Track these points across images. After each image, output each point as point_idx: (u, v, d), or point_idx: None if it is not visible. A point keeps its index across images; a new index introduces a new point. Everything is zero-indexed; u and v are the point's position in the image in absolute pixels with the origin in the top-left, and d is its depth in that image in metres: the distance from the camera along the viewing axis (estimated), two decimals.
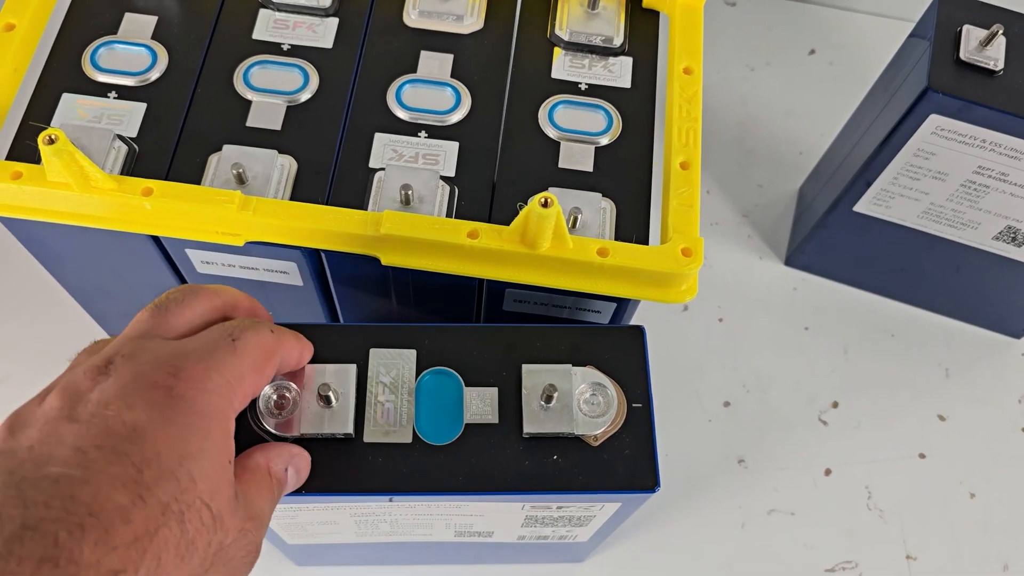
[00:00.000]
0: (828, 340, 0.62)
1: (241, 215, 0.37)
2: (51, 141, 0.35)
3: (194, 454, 0.26)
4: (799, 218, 0.65)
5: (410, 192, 0.39)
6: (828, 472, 0.58)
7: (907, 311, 0.64)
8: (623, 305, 0.42)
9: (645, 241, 0.40)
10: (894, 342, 0.63)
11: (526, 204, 0.39)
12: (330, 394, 0.35)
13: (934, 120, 0.47)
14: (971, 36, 0.47)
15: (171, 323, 0.30)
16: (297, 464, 0.33)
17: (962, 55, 0.46)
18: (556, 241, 0.37)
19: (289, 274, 0.42)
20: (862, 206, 0.55)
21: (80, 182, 0.37)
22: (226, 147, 0.40)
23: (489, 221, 0.40)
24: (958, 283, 0.60)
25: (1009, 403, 0.61)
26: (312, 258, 0.41)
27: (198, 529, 0.25)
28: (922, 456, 0.59)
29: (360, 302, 0.45)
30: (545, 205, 0.35)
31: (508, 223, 0.39)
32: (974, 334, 0.64)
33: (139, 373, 0.27)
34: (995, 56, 0.46)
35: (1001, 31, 0.46)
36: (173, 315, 0.30)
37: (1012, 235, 0.53)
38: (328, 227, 0.37)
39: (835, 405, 0.60)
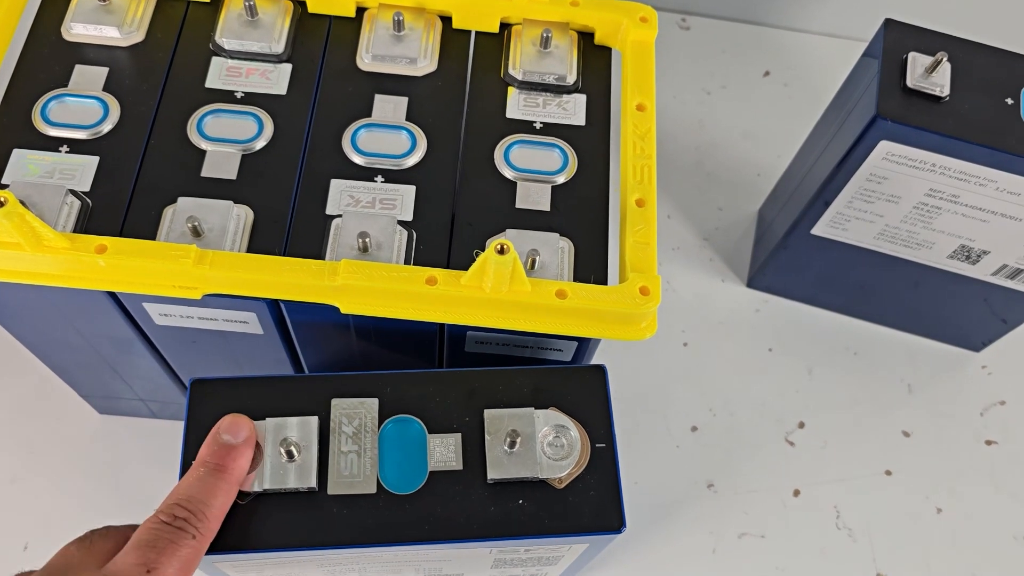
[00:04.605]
0: (792, 360, 0.63)
1: (197, 269, 0.37)
2: (0, 204, 0.34)
3: None
4: (759, 240, 0.66)
5: (368, 239, 0.39)
6: (797, 493, 0.59)
7: (869, 328, 0.65)
8: (585, 342, 0.42)
9: (604, 279, 0.40)
10: (857, 360, 0.63)
11: (483, 250, 0.39)
12: (292, 448, 0.35)
13: (884, 146, 0.48)
14: (917, 63, 0.47)
15: (93, 554, 0.32)
16: None
17: (909, 82, 0.47)
18: (514, 285, 0.37)
19: (249, 323, 0.42)
20: (819, 229, 0.56)
21: (32, 242, 0.36)
22: (181, 199, 0.40)
23: (448, 264, 0.40)
24: (917, 300, 0.61)
25: (971, 416, 0.62)
26: (271, 307, 0.41)
27: None
28: (888, 473, 0.60)
29: (322, 347, 0.44)
30: (501, 252, 0.35)
31: (467, 266, 0.39)
32: (935, 349, 0.65)
33: None
34: (941, 82, 0.47)
35: (945, 58, 0.47)
36: (96, 546, 0.33)
37: (966, 254, 0.54)
38: (285, 278, 0.37)
39: (801, 425, 0.61)
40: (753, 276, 0.65)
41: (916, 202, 0.51)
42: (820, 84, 0.73)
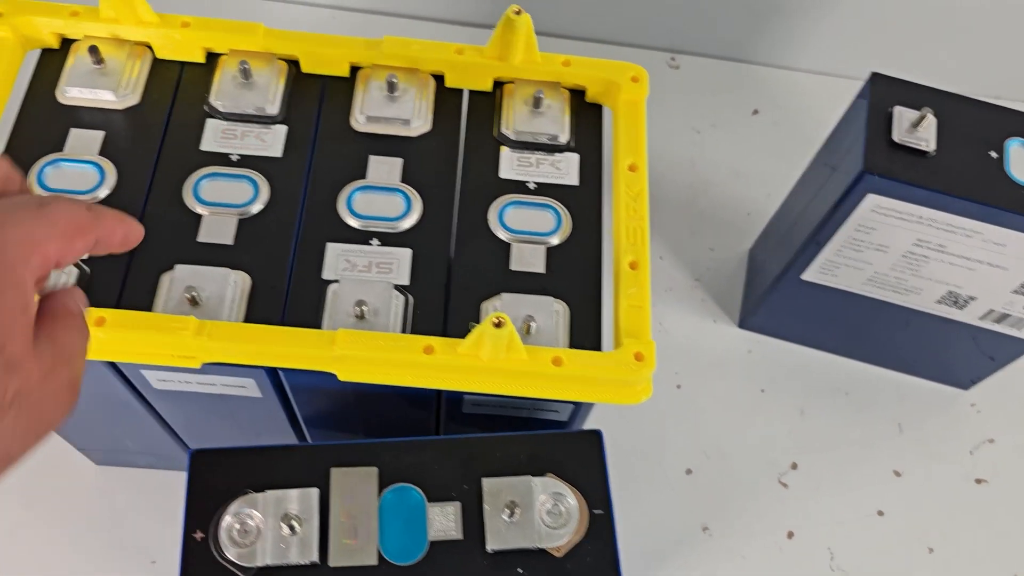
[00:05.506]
0: (784, 401, 0.64)
1: (196, 340, 0.37)
2: None
3: None
4: (751, 281, 0.66)
5: (364, 307, 0.39)
6: (791, 535, 0.59)
7: (859, 368, 0.65)
8: (581, 402, 0.42)
9: (598, 341, 0.41)
10: (848, 400, 0.64)
11: (478, 316, 0.39)
12: (293, 522, 0.35)
13: (872, 199, 0.49)
14: (903, 118, 0.48)
15: None
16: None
17: (895, 137, 0.48)
18: (511, 354, 0.37)
19: (248, 388, 0.42)
20: (810, 275, 0.57)
21: None
22: (178, 267, 0.40)
23: (444, 328, 0.40)
24: (906, 340, 0.62)
25: (961, 455, 0.63)
26: (270, 374, 0.41)
27: None
28: (880, 513, 0.60)
29: (320, 409, 0.45)
30: (498, 325, 0.35)
31: (463, 330, 0.40)
32: (924, 388, 0.65)
33: None
34: (926, 137, 0.48)
35: (930, 113, 0.47)
36: None
37: (954, 299, 0.55)
38: (283, 349, 0.38)
39: (794, 467, 0.61)
40: (745, 317, 0.65)
41: (904, 251, 0.52)
42: (808, 122, 0.74)
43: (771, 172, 0.71)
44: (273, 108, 0.45)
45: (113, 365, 0.42)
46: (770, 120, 0.75)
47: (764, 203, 0.70)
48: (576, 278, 0.42)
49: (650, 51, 0.77)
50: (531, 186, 0.44)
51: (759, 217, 0.69)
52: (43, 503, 0.56)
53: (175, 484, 0.57)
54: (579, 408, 0.43)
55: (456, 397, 0.42)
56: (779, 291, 0.60)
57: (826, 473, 0.61)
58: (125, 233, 0.32)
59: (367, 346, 0.37)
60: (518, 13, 0.43)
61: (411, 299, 0.41)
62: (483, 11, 0.75)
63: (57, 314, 0.29)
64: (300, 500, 0.36)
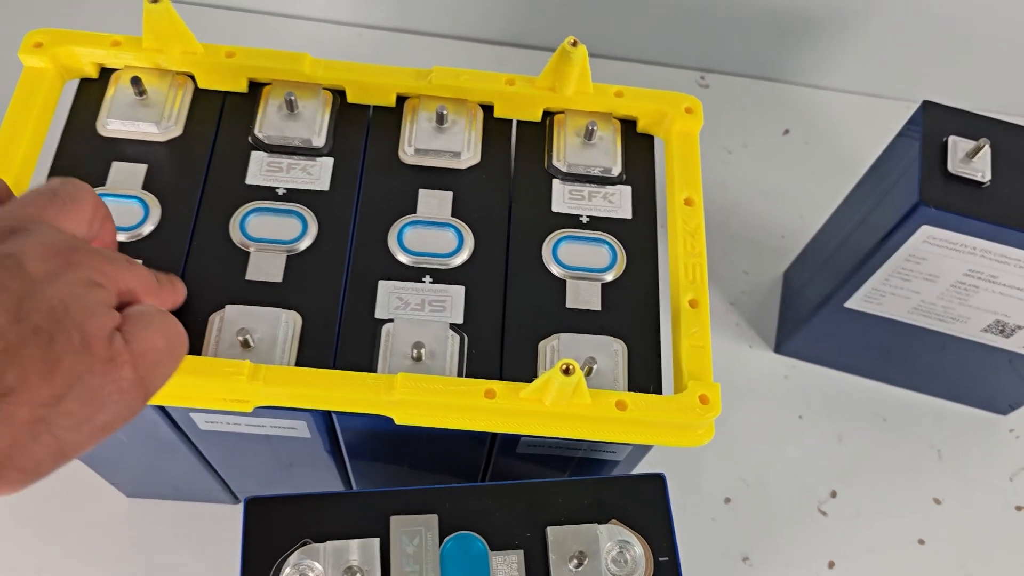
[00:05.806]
0: (822, 428, 0.63)
1: (251, 385, 0.36)
2: None
3: (75, 295, 0.29)
4: (786, 305, 0.65)
5: (422, 350, 0.38)
6: (832, 565, 0.58)
7: (897, 394, 0.65)
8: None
9: (658, 382, 0.40)
10: (887, 426, 0.63)
11: (536, 356, 0.39)
12: (357, 575, 0.34)
13: (925, 231, 0.48)
14: (958, 148, 0.47)
15: (66, 218, 0.33)
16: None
17: (950, 168, 0.47)
18: (575, 398, 0.36)
19: (298, 430, 0.41)
20: (853, 303, 0.56)
21: None
22: (228, 308, 0.39)
23: (500, 369, 0.40)
24: (946, 366, 0.61)
25: (1001, 481, 0.62)
26: (322, 416, 0.40)
27: (65, 349, 0.28)
28: (921, 542, 0.60)
29: (369, 449, 0.44)
30: (567, 372, 0.34)
31: (520, 371, 0.39)
32: (962, 413, 0.65)
33: (46, 242, 0.30)
34: (982, 168, 0.47)
35: (987, 144, 0.46)
36: (70, 211, 0.33)
37: (1000, 328, 0.54)
38: (340, 393, 0.37)
39: (833, 495, 0.61)
40: (781, 342, 0.65)
41: (954, 281, 0.51)
42: (839, 142, 0.73)
43: (803, 193, 0.71)
44: (319, 140, 0.44)
45: (161, 408, 0.41)
46: (801, 140, 0.74)
47: (797, 225, 0.69)
48: (633, 315, 0.41)
49: (680, 70, 0.76)
50: (584, 220, 0.44)
51: (793, 239, 0.68)
52: (74, 538, 0.55)
53: (208, 515, 0.56)
54: (636, 448, 0.42)
55: (512, 438, 0.41)
56: (820, 318, 0.59)
57: (866, 501, 0.61)
58: (174, 301, 0.38)
59: (427, 391, 0.37)
60: (574, 45, 0.42)
61: (466, 338, 0.40)
62: (512, 30, 0.75)
63: (134, 316, 0.32)
64: (361, 550, 0.35)
